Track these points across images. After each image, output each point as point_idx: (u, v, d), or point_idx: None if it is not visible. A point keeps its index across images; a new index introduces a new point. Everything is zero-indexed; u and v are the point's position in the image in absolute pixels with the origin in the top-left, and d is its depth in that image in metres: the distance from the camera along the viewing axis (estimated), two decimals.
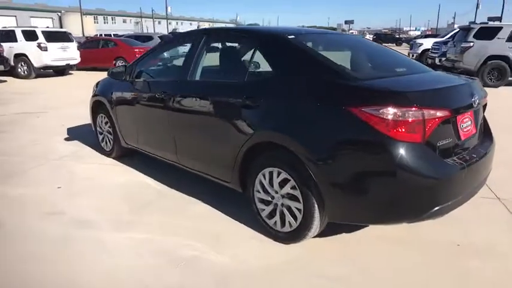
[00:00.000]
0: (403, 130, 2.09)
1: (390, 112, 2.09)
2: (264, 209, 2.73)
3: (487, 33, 10.46)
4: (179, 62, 3.62)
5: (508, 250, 2.57)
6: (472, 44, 10.55)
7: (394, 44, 46.41)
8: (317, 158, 2.29)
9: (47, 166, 4.31)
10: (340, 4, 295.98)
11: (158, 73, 4.05)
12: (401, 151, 2.08)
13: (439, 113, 2.17)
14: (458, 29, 13.76)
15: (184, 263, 2.44)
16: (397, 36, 55.47)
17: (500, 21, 46.61)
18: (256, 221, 2.83)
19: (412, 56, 16.69)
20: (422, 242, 2.67)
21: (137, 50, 15.39)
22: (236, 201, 3.19)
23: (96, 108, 4.59)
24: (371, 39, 43.83)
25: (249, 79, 2.83)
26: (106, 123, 4.45)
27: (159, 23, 70.26)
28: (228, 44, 3.44)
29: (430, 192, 2.15)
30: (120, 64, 15.35)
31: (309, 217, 2.43)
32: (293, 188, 2.49)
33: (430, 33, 73.80)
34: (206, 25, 78.73)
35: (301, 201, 2.46)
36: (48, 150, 4.87)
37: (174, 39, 4.12)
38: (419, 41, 17.20)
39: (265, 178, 2.67)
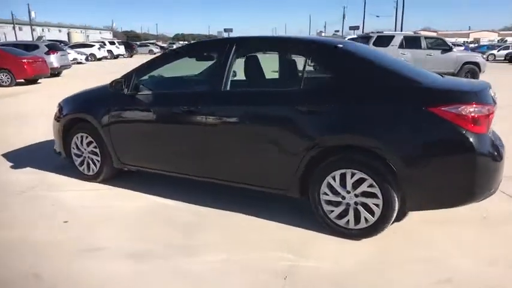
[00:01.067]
0: (477, 123, 2.48)
1: (467, 109, 2.46)
2: (333, 210, 2.84)
3: (383, 41, 12.19)
4: (204, 72, 3.47)
5: None
6: None
7: None
8: (401, 155, 2.53)
9: (21, 201, 3.61)
10: (219, 13, 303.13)
11: (175, 85, 3.78)
12: (478, 141, 2.45)
13: (492, 109, 2.62)
14: (356, 37, 15.73)
15: (287, 276, 2.42)
16: None
17: (362, 30, 53.49)
18: (317, 223, 2.93)
19: None
20: (464, 219, 3.11)
21: (26, 60, 13.48)
22: (278, 209, 3.25)
23: (69, 127, 4.03)
24: None
25: (306, 87, 2.91)
26: (89, 143, 3.93)
27: (20, 29, 61.89)
28: (272, 54, 3.44)
29: (496, 173, 2.58)
30: (4, 77, 13.35)
31: (390, 210, 2.65)
32: (370, 186, 2.68)
33: None
34: (78, 32, 71.97)
35: (380, 197, 2.66)
36: (4, 183, 4.07)
37: (188, 49, 3.91)
38: None
39: (335, 180, 2.79)
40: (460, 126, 2.45)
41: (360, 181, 2.71)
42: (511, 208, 3.37)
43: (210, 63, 3.67)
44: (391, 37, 12.51)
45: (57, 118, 4.17)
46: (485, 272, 2.43)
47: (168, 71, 3.72)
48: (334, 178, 2.79)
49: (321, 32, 74.86)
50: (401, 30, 35.98)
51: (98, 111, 3.78)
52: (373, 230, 2.76)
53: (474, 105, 2.49)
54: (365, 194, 2.72)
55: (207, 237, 2.90)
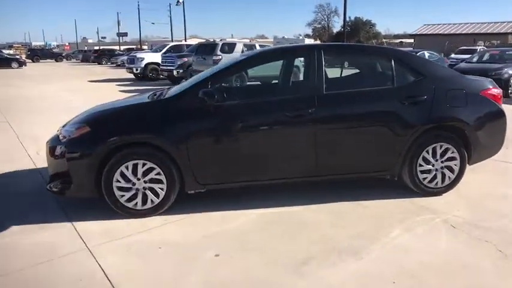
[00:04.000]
0: (500, 100, 3.85)
1: (498, 91, 3.81)
2: (426, 177, 3.70)
3: (228, 48, 13.36)
4: (287, 77, 3.55)
5: None
6: (220, 57, 13.13)
7: (54, 60, 43.84)
8: (476, 127, 3.64)
9: (157, 255, 2.82)
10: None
11: (264, 91, 3.63)
12: (504, 110, 3.83)
13: None
14: (174, 44, 16.27)
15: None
16: (54, 51, 52.31)
17: (139, 37, 53.39)
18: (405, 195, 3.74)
19: (136, 70, 17.69)
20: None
21: None
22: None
23: (112, 155, 3.30)
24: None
25: (398, 84, 3.63)
26: (147, 171, 3.34)
27: None
28: (362, 59, 3.85)
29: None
30: None
31: (462, 169, 3.73)
32: (452, 152, 3.67)
33: (68, 48, 73.91)
34: None
35: (458, 158, 3.70)
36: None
37: (268, 54, 3.86)
38: (140, 55, 18.29)
39: (428, 153, 3.65)
40: (498, 103, 3.78)
41: (446, 150, 3.67)
42: None
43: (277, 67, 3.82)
44: (234, 44, 13.92)
45: (89, 145, 3.28)
46: None
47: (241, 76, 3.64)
48: (428, 151, 3.65)
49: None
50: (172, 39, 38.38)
51: (169, 129, 3.30)
52: (451, 186, 3.78)
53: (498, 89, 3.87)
54: (448, 159, 3.70)
55: (325, 246, 3.16)
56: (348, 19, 43.34)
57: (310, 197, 3.72)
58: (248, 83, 4.24)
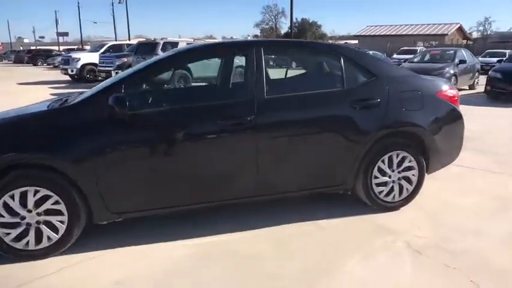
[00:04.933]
0: (457, 102, 3.51)
1: (455, 92, 3.46)
2: (382, 190, 3.27)
3: (171, 47, 12.48)
4: (222, 79, 2.93)
5: None
6: None
7: None
8: (434, 131, 3.26)
9: None
10: None
11: (191, 96, 2.95)
12: (461, 113, 3.50)
13: None
14: (113, 44, 15.14)
15: None
16: None
17: (80, 36, 50.56)
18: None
19: (72, 71, 16.23)
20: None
21: None
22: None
23: None
24: None
25: (349, 86, 3.15)
26: (41, 200, 2.58)
27: None
28: (308, 57, 3.29)
29: None
30: None
31: (421, 179, 3.34)
32: (409, 160, 3.27)
33: (0, 48, 67.99)
34: None
35: (416, 167, 3.30)
36: None
37: (198, 51, 3.19)
38: (75, 55, 16.76)
39: (384, 163, 3.21)
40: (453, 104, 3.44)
41: (404, 159, 3.25)
42: None
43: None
44: (176, 43, 13.09)
45: None
46: None
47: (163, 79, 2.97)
48: (383, 161, 3.21)
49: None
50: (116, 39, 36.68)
51: (69, 146, 2.57)
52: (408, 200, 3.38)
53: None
54: (405, 169, 3.29)
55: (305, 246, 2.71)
56: (294, 20, 43.93)
57: (253, 221, 3.15)
58: (176, 87, 3.57)
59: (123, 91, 2.72)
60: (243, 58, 3.03)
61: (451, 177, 4.08)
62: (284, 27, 65.55)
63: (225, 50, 3.63)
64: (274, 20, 66.32)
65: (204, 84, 3.79)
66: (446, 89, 3.44)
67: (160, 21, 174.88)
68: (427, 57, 13.40)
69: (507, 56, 13.04)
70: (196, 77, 6.16)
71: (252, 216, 3.21)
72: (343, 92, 3.15)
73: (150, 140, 2.75)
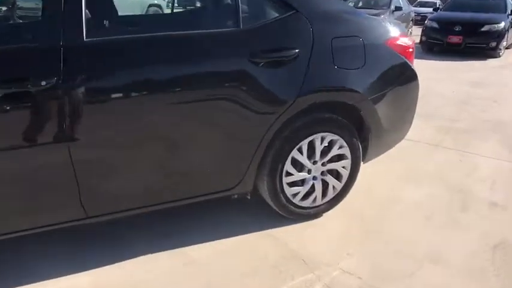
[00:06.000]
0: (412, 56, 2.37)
1: (409, 41, 2.30)
2: (298, 192, 2.12)
3: None
4: None
5: None
6: None
7: None
8: (377, 101, 2.11)
9: None
10: None
11: None
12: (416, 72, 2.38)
13: None
14: None
15: None
16: None
17: None
18: None
19: None
20: None
21: None
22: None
23: None
24: None
25: (248, 24, 1.82)
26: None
27: None
28: None
29: None
30: None
31: (354, 172, 2.25)
32: (340, 146, 2.13)
33: None
34: None
35: (349, 156, 2.18)
36: None
37: None
38: None
39: (301, 152, 2.03)
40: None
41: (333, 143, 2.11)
42: None
43: None
44: None
45: None
46: None
47: None
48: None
49: None
50: None
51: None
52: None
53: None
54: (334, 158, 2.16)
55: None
56: None
57: (83, 257, 1.85)
58: None
59: None
60: None
61: (388, 156, 3.00)
62: None
63: None
64: None
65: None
66: (399, 35, 2.26)
67: None
68: (360, 4, 12.30)
69: (444, 4, 12.41)
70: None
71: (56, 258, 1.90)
72: (237, 35, 1.83)
73: None
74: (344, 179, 2.23)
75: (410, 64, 2.29)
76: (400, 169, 2.91)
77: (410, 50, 2.30)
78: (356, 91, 2.01)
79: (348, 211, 2.31)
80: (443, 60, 8.23)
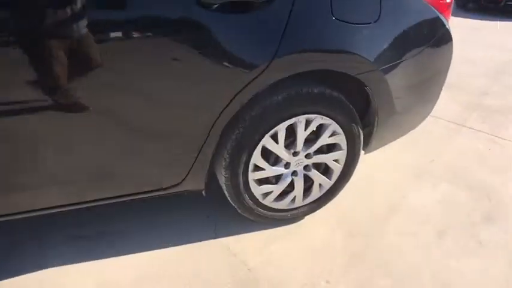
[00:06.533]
0: (449, 10, 1.68)
1: None
2: (271, 192, 1.56)
3: None
4: None
5: None
6: None
7: None
8: (391, 72, 1.47)
9: None
10: None
11: None
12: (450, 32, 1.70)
13: None
14: None
15: None
16: None
17: None
18: None
19: None
20: None
21: None
22: None
23: None
24: None
25: None
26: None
27: None
28: None
29: None
30: None
31: (350, 167, 1.66)
32: (332, 133, 1.53)
33: None
34: None
35: (344, 146, 1.58)
36: None
37: None
38: None
39: (276, 140, 1.44)
40: None
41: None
42: None
43: None
44: None
45: None
46: None
47: None
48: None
49: None
50: None
51: None
52: None
53: None
54: None
55: None
56: None
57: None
58: None
59: None
60: None
61: (396, 141, 2.19)
62: None
63: None
64: None
65: None
66: None
67: None
68: None
69: None
70: None
71: None
72: None
73: None
74: (335, 176, 1.66)
75: (445, 21, 1.61)
76: (409, 159, 2.30)
77: (448, 0, 1.61)
78: (362, 57, 1.37)
79: (334, 218, 1.76)
80: (478, 19, 7.21)
